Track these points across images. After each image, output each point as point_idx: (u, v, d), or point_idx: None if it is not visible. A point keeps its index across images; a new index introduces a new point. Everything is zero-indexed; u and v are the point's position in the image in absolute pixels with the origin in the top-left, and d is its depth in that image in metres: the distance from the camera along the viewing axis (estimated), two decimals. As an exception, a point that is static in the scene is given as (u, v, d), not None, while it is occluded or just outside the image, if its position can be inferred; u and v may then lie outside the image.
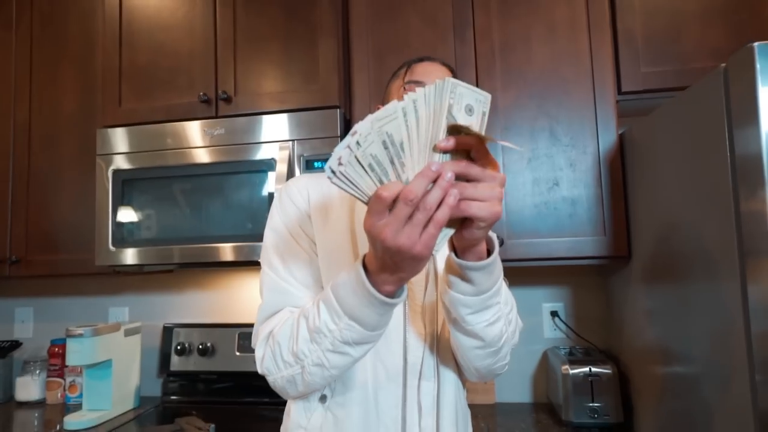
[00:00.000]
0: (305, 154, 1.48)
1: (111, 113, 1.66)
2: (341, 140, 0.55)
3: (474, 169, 0.57)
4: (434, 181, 0.55)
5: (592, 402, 1.47)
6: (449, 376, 0.87)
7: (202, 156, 1.55)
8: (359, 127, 0.54)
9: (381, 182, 0.56)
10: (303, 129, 1.50)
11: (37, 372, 1.96)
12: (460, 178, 0.58)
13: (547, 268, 1.80)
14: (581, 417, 1.46)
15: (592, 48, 1.48)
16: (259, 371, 0.79)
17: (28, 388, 1.94)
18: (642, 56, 1.47)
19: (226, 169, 1.53)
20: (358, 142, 0.54)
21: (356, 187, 0.56)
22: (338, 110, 1.50)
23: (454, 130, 0.57)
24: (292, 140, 1.49)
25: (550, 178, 1.48)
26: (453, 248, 0.68)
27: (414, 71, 0.90)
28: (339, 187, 0.56)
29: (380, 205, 0.55)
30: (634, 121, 1.40)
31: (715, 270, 0.97)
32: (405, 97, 0.56)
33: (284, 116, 1.52)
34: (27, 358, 2.02)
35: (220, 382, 1.86)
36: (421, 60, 0.92)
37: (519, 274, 1.80)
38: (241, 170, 1.52)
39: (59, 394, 1.92)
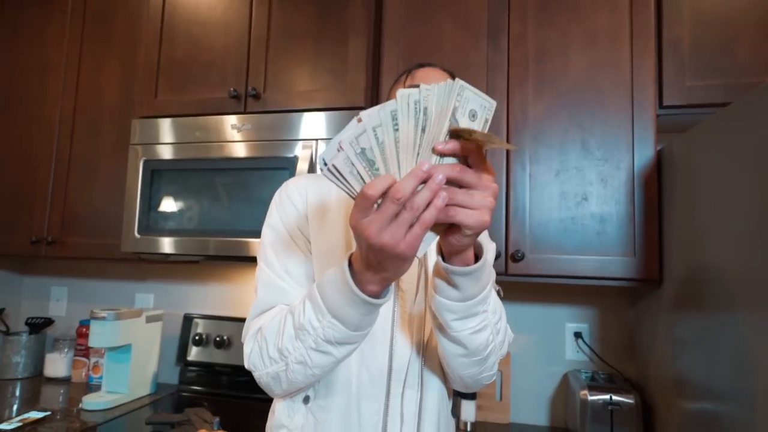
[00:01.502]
0: (327, 154, 1.47)
1: (147, 105, 1.71)
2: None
3: (468, 176, 0.56)
4: (424, 182, 0.54)
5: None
6: (434, 386, 0.86)
7: (229, 150, 1.57)
8: (364, 115, 0.53)
9: (371, 178, 0.55)
10: (327, 129, 1.49)
11: (66, 350, 2.04)
12: (454, 183, 0.56)
13: (571, 287, 1.72)
14: (598, 447, 1.38)
15: (634, 58, 1.40)
16: (246, 366, 0.79)
17: (56, 364, 2.02)
18: (688, 68, 1.38)
19: (250, 164, 1.54)
20: (355, 137, 0.53)
21: (346, 181, 0.55)
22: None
23: (455, 134, 0.55)
24: (316, 139, 1.49)
25: (579, 192, 1.40)
26: (441, 252, 0.67)
27: (415, 76, 0.91)
28: (330, 179, 0.55)
29: (366, 202, 0.54)
30: (673, 137, 1.31)
31: (762, 302, 0.88)
32: (406, 93, 0.53)
33: (310, 115, 1.51)
34: (58, 336, 2.10)
35: (235, 376, 1.87)
36: (422, 65, 0.93)
37: (542, 290, 1.73)
38: (264, 167, 1.52)
39: (83, 374, 1.99)
